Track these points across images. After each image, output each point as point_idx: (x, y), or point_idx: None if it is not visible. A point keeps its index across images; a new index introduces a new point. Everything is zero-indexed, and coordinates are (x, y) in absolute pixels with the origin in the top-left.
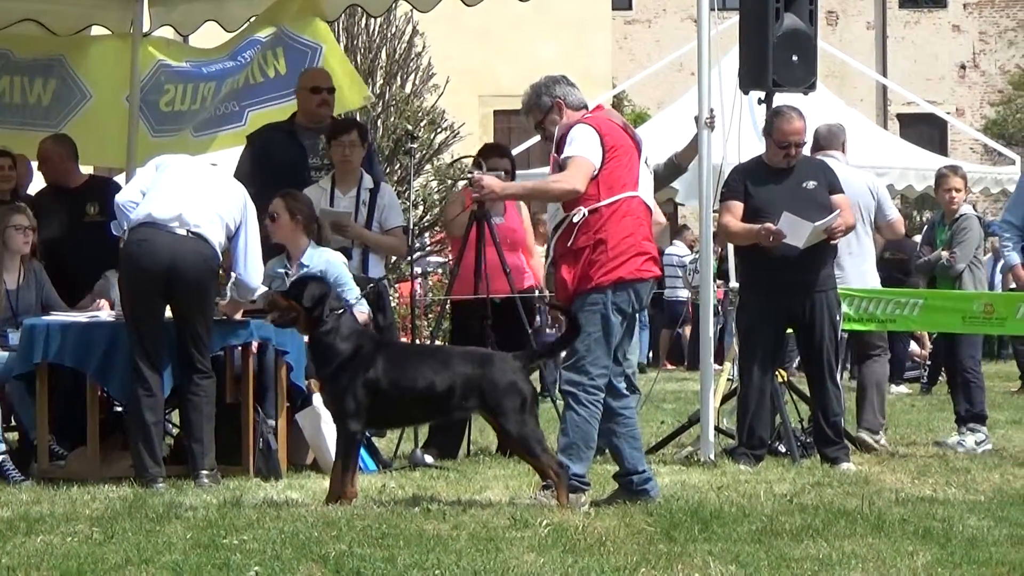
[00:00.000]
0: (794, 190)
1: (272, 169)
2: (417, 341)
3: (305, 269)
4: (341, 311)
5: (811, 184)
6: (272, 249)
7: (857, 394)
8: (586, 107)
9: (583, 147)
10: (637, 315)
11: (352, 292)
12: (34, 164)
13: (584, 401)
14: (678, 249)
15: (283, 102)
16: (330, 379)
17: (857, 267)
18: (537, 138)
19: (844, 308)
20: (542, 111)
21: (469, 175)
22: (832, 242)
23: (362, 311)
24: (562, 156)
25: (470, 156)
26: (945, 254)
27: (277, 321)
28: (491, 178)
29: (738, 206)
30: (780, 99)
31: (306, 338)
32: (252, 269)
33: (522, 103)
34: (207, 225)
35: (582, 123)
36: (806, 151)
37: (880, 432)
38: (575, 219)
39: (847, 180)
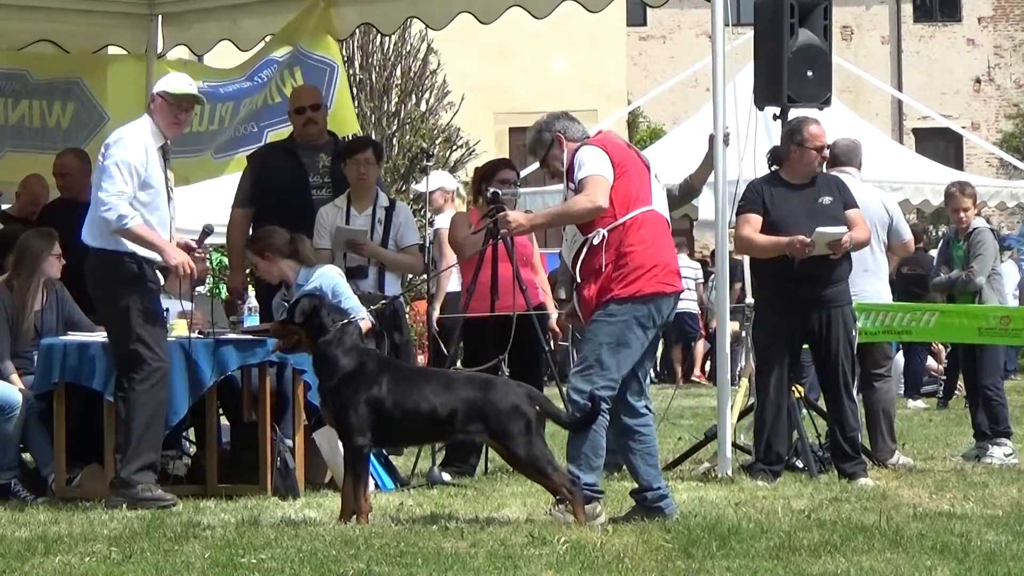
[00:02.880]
0: (810, 205)
1: (272, 188)
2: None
3: (300, 289)
4: (344, 322)
5: (827, 199)
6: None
7: (866, 420)
8: (588, 138)
9: (594, 166)
10: (659, 333)
11: (350, 300)
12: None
13: (588, 410)
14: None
15: None
16: (332, 393)
17: (872, 284)
18: None
19: (860, 322)
20: (544, 147)
21: (491, 215)
22: (833, 258)
23: (362, 318)
24: (577, 180)
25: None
26: (964, 272)
27: (283, 348)
28: (516, 213)
29: (757, 219)
30: (795, 114)
31: None
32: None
33: (526, 143)
34: (87, 227)
35: (586, 145)
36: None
37: (894, 454)
38: (595, 240)
39: (861, 198)
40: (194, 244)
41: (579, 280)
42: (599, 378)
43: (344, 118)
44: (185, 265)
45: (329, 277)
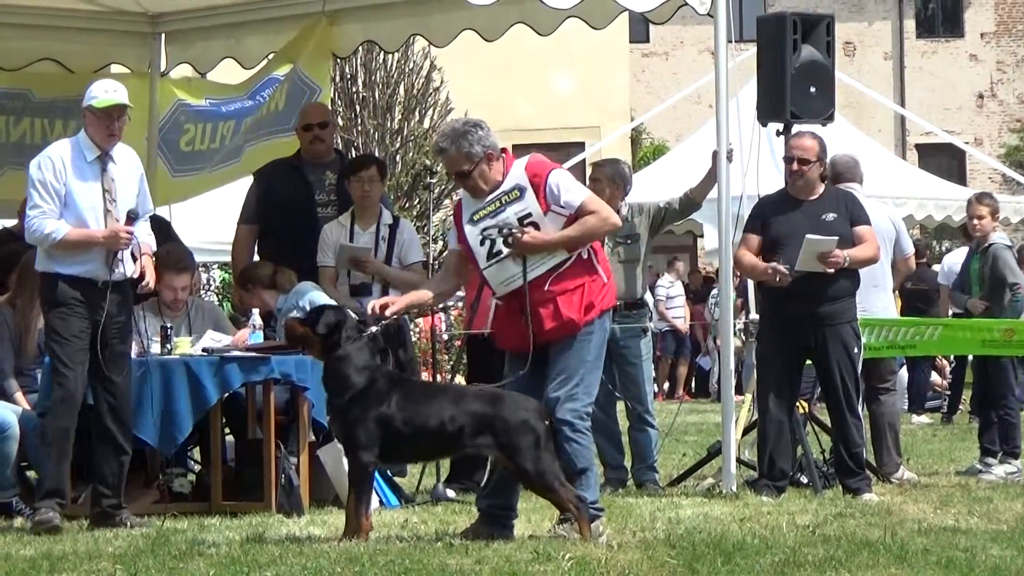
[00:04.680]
0: (813, 221)
1: (278, 205)
2: (438, 377)
3: (280, 312)
4: (358, 339)
5: (830, 216)
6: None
7: (872, 435)
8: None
9: (579, 188)
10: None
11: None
12: None
13: (580, 428)
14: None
15: (276, 137)
16: (342, 410)
17: (880, 299)
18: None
19: (864, 338)
20: (473, 161)
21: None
22: (829, 270)
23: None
24: (575, 201)
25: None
26: (981, 304)
27: (291, 344)
28: (532, 234)
29: (754, 239)
30: (798, 130)
31: None
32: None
33: (442, 146)
34: None
35: (557, 169)
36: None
37: (900, 468)
38: (584, 255)
39: (872, 215)
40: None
41: (547, 290)
42: (585, 395)
43: None
44: (116, 233)
45: (302, 292)
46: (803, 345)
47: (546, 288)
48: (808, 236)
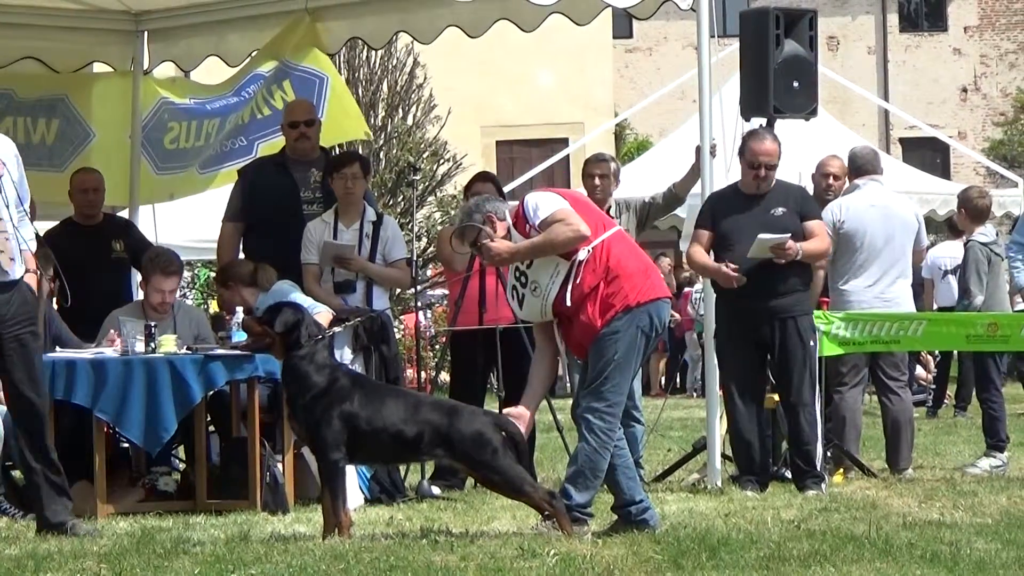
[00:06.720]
0: (762, 217)
1: (263, 202)
2: (423, 374)
3: (258, 310)
4: (319, 338)
5: (779, 211)
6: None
7: (890, 430)
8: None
9: (552, 203)
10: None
11: (304, 301)
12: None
13: (596, 429)
14: None
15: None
16: (305, 409)
17: (907, 292)
18: (539, 168)
19: (846, 332)
20: (474, 232)
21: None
22: (778, 261)
23: (318, 312)
24: (539, 221)
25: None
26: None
27: (251, 347)
28: (499, 243)
29: (704, 235)
30: (781, 125)
31: None
32: None
33: (456, 232)
34: None
35: (530, 193)
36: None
37: (908, 468)
38: (580, 257)
39: (896, 207)
40: None
41: (569, 304)
42: (610, 394)
43: (343, 126)
44: None
45: (281, 292)
46: (758, 339)
47: (568, 303)
48: (760, 236)
